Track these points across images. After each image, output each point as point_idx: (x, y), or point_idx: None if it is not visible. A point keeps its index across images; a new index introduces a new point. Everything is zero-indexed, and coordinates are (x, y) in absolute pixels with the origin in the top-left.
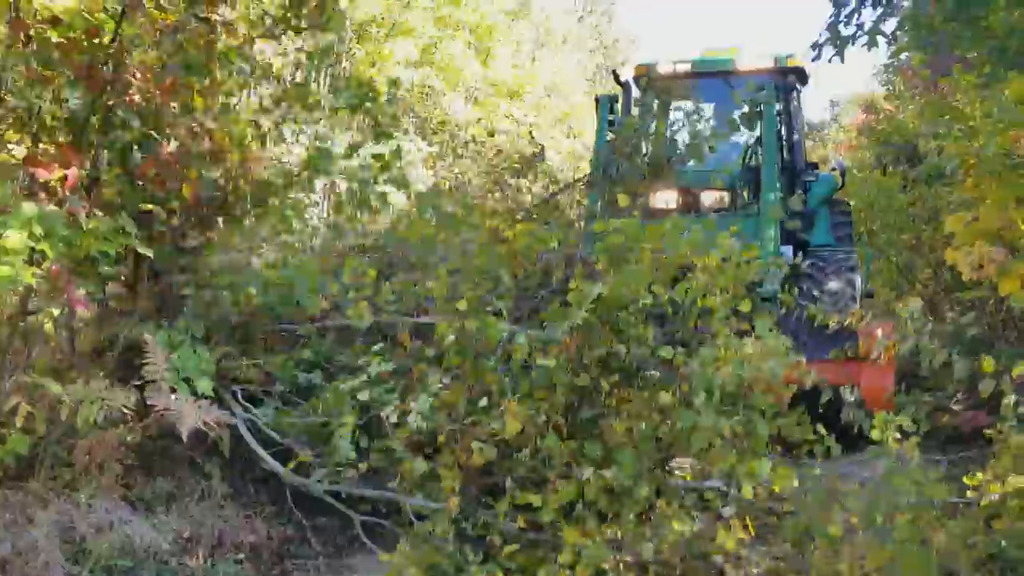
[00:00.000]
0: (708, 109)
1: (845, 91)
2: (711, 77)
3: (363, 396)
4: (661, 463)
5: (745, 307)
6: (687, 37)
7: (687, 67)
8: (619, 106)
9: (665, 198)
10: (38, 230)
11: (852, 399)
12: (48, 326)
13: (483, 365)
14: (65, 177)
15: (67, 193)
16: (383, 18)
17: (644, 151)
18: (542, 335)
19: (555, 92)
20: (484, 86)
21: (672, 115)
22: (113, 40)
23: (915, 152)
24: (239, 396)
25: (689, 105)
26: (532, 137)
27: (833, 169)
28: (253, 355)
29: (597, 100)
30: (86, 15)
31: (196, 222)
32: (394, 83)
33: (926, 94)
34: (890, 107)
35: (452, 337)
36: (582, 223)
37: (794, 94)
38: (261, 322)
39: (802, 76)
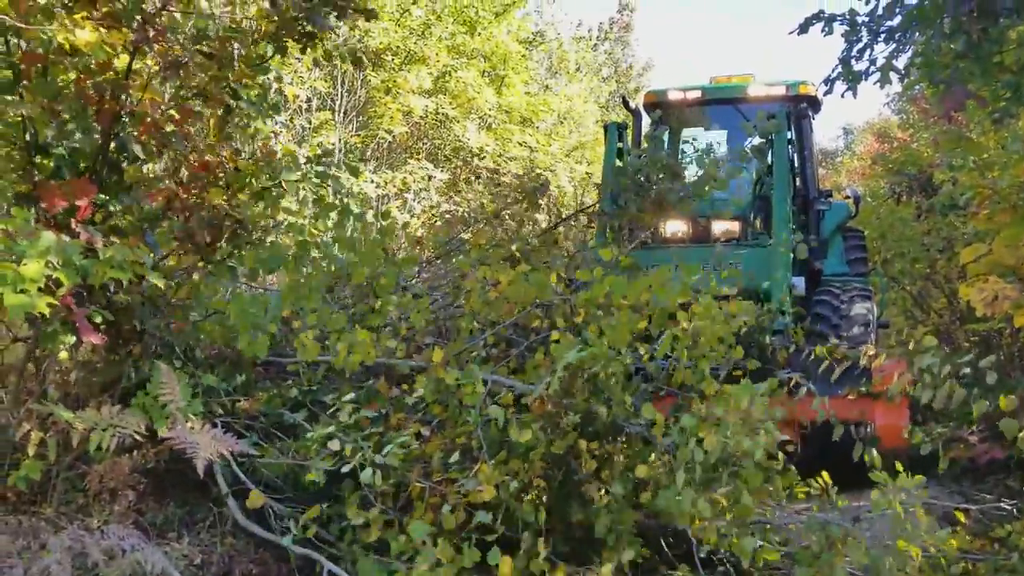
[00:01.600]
0: (719, 136)
1: (858, 118)
2: (722, 104)
3: (334, 445)
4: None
5: (737, 353)
6: (701, 63)
7: (698, 94)
8: (628, 134)
9: (675, 227)
10: (54, 259)
11: (865, 435)
12: (63, 355)
13: (462, 419)
14: (75, 208)
15: (77, 224)
16: (399, 47)
17: (654, 180)
18: (521, 388)
19: (568, 119)
20: (497, 114)
21: (683, 143)
22: (127, 75)
23: (929, 182)
24: (219, 425)
25: (701, 132)
26: (534, 168)
27: (847, 197)
28: (242, 389)
29: (606, 128)
30: (107, 48)
31: (188, 252)
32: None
33: (940, 124)
34: (904, 135)
35: (430, 387)
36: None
37: (806, 121)
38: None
39: (814, 103)
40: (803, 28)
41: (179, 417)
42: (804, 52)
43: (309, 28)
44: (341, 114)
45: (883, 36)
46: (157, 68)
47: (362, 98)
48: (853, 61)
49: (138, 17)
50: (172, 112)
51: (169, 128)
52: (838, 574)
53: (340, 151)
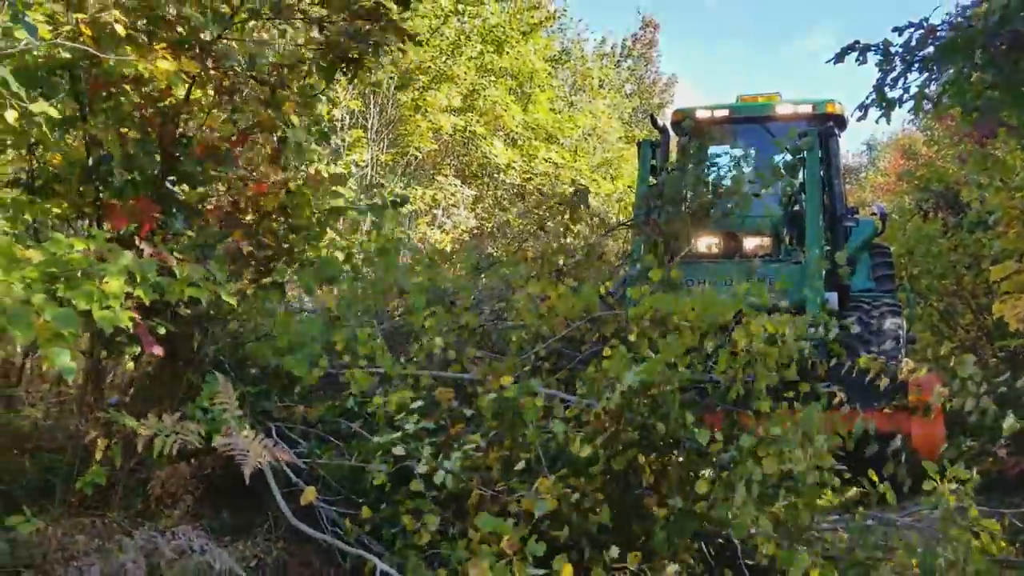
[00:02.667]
0: (747, 154)
1: (881, 134)
2: (750, 122)
3: (398, 451)
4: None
5: (791, 374)
6: (722, 79)
7: (725, 113)
8: (669, 153)
9: (708, 243)
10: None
11: (900, 450)
12: (129, 364)
13: (519, 431)
14: (139, 227)
15: (141, 242)
16: (429, 66)
17: (686, 196)
18: (576, 401)
19: (593, 136)
20: (524, 131)
21: (713, 160)
22: (186, 100)
23: (956, 199)
24: (273, 433)
25: (728, 149)
26: (557, 183)
27: (873, 213)
28: (299, 399)
29: (639, 145)
30: (183, 76)
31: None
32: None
33: (965, 141)
34: (929, 152)
35: (488, 400)
36: (626, 268)
37: (833, 139)
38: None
39: (840, 122)
40: (839, 58)
41: (233, 425)
42: (825, 69)
43: (354, 54)
44: (373, 132)
45: (916, 66)
46: (213, 95)
47: (393, 116)
48: (887, 89)
49: (196, 46)
50: (228, 136)
51: (224, 149)
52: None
53: (372, 167)
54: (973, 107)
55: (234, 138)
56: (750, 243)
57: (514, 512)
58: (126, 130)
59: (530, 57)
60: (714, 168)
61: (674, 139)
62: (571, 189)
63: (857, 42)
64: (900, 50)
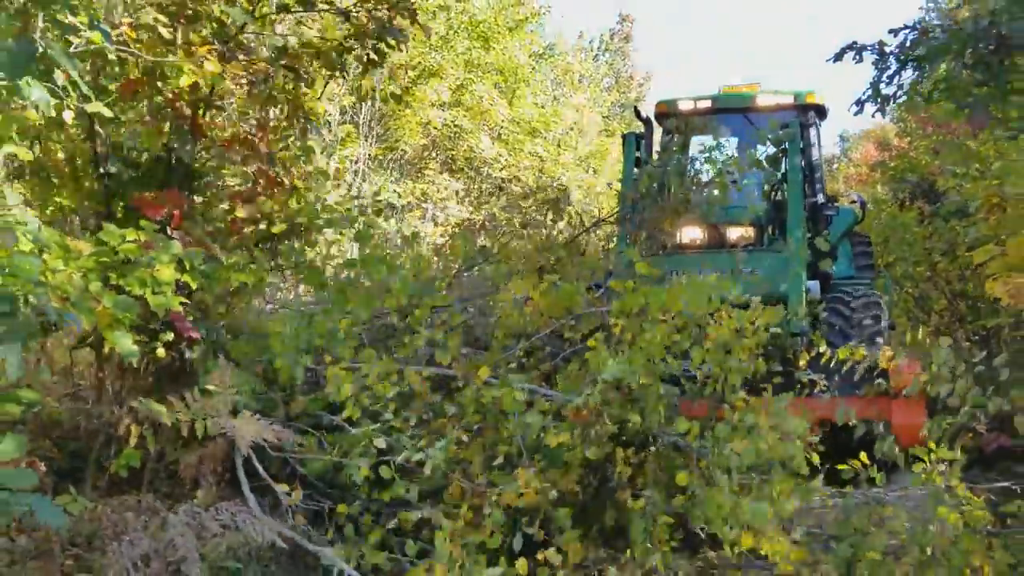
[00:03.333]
0: (726, 145)
1: (853, 126)
2: (732, 113)
3: (379, 443)
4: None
5: (760, 365)
6: (698, 70)
7: (708, 103)
8: (653, 144)
9: (691, 233)
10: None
11: (884, 434)
12: (160, 351)
13: (502, 426)
14: (172, 216)
15: (172, 231)
16: (418, 62)
17: (674, 187)
18: (558, 397)
19: (575, 130)
20: (509, 125)
21: (695, 150)
22: (211, 91)
23: (932, 188)
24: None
25: (709, 140)
26: (542, 176)
27: (853, 202)
28: (279, 392)
29: (624, 138)
30: (228, 77)
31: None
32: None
33: (938, 132)
34: (902, 143)
35: (470, 396)
36: (611, 259)
37: (813, 129)
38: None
39: (820, 112)
40: (838, 56)
41: (223, 410)
42: (797, 58)
43: (379, 45)
44: (365, 127)
45: (911, 65)
46: (245, 85)
47: (383, 111)
48: (882, 86)
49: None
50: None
51: (252, 140)
52: (877, 543)
53: (363, 162)
54: (965, 103)
55: (257, 129)
56: (733, 233)
57: (494, 503)
58: (161, 123)
59: (515, 52)
60: (698, 159)
61: (658, 131)
62: (555, 186)
63: (855, 42)
64: (896, 50)
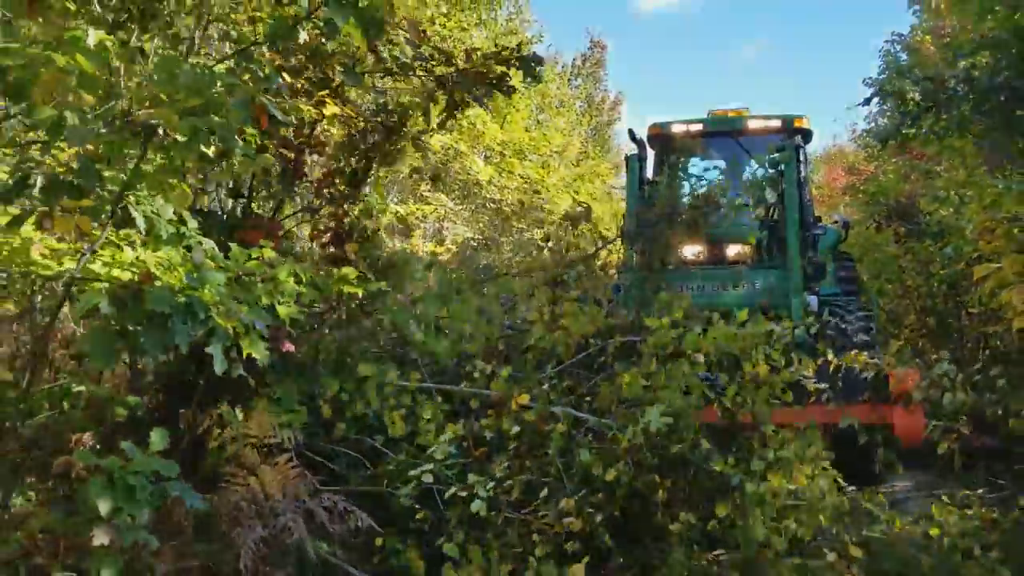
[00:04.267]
0: (725, 167)
1: (816, 150)
2: (722, 136)
3: (427, 479)
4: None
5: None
6: (670, 93)
7: (699, 127)
8: (649, 165)
9: (693, 251)
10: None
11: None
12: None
13: (542, 452)
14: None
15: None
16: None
17: (674, 209)
18: (595, 423)
19: (560, 153)
20: (501, 148)
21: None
22: (311, 133)
23: (906, 211)
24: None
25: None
26: (575, 196)
27: (835, 222)
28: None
29: (627, 160)
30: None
31: None
32: None
33: (905, 160)
34: (868, 167)
35: (510, 422)
36: (619, 276)
37: (800, 152)
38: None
39: (806, 135)
40: (867, 101)
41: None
42: (761, 80)
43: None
44: None
45: (932, 109)
46: (345, 133)
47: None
48: (903, 128)
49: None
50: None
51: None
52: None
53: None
54: (982, 143)
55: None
56: (732, 250)
57: (537, 529)
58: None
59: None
60: (696, 180)
61: (651, 152)
62: (574, 206)
63: (881, 88)
64: (919, 97)
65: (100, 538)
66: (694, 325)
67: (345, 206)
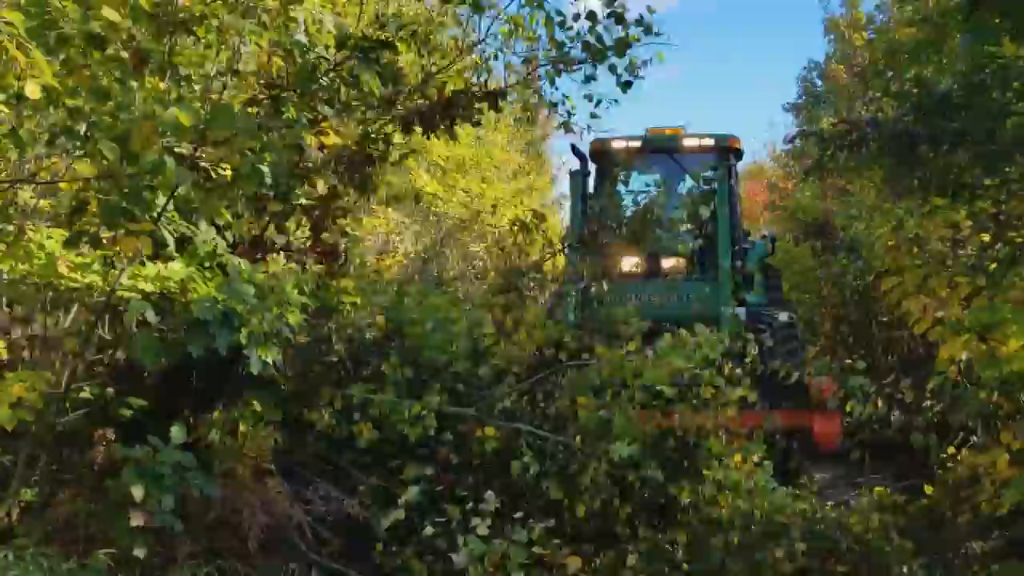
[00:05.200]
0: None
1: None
2: (659, 153)
3: (399, 516)
4: None
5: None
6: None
7: (638, 144)
8: (591, 180)
9: (631, 263)
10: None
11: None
12: None
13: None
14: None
15: None
16: None
17: (618, 223)
18: (555, 439)
19: (499, 168)
20: (446, 163)
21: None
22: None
23: (822, 227)
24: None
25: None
26: (516, 209)
27: (763, 237)
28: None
29: (572, 175)
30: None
31: None
32: None
33: (822, 182)
34: (787, 186)
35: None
36: (563, 286)
37: (732, 169)
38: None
39: (738, 154)
40: (791, 140)
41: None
42: (677, 100)
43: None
44: None
45: (845, 148)
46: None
47: None
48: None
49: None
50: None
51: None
52: None
53: None
54: (894, 174)
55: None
56: (667, 264)
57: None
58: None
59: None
60: (634, 196)
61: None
62: (520, 217)
63: (804, 128)
64: (836, 138)
65: (136, 520)
66: (644, 352)
67: (328, 226)
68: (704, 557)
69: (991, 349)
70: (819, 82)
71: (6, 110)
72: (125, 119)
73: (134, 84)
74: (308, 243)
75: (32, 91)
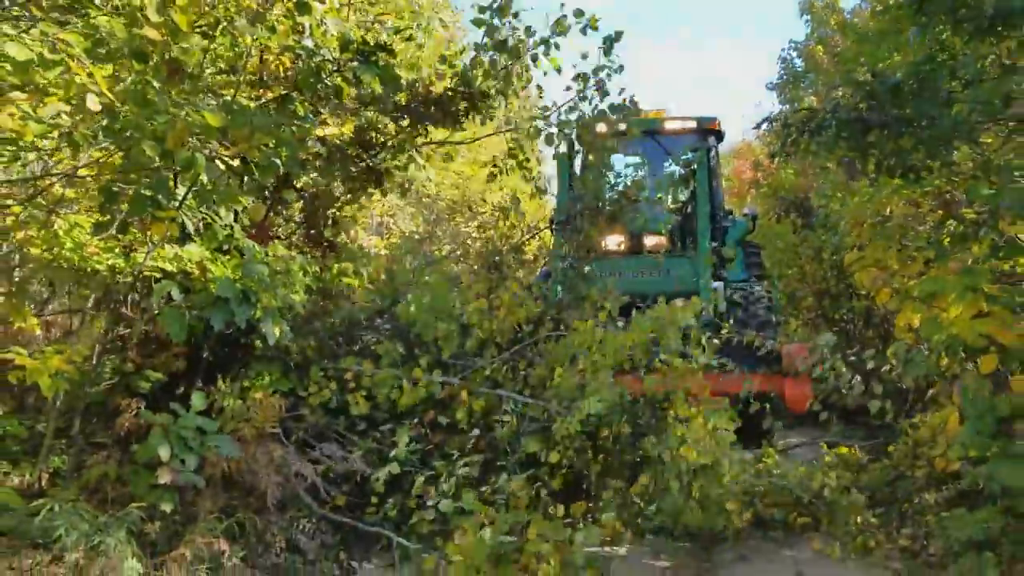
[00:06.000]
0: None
1: (725, 146)
2: (643, 135)
3: (395, 469)
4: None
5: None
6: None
7: (622, 126)
8: (578, 162)
9: (614, 241)
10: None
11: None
12: None
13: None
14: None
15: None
16: None
17: (600, 203)
18: (534, 403)
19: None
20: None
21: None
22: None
23: (802, 204)
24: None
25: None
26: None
27: (745, 214)
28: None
29: (558, 158)
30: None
31: None
32: None
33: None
34: (770, 164)
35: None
36: (547, 263)
37: (713, 151)
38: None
39: (719, 135)
40: (758, 126)
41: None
42: (667, 78)
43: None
44: None
45: (806, 133)
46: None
47: None
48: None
49: None
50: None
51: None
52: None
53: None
54: (839, 161)
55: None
56: (650, 241)
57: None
58: None
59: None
60: (618, 176)
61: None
62: (505, 199)
63: (769, 116)
64: (795, 123)
65: (164, 477)
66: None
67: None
68: (665, 504)
69: (934, 315)
70: (799, 62)
71: (65, 117)
72: (162, 121)
73: (169, 90)
74: (305, 230)
75: (93, 103)
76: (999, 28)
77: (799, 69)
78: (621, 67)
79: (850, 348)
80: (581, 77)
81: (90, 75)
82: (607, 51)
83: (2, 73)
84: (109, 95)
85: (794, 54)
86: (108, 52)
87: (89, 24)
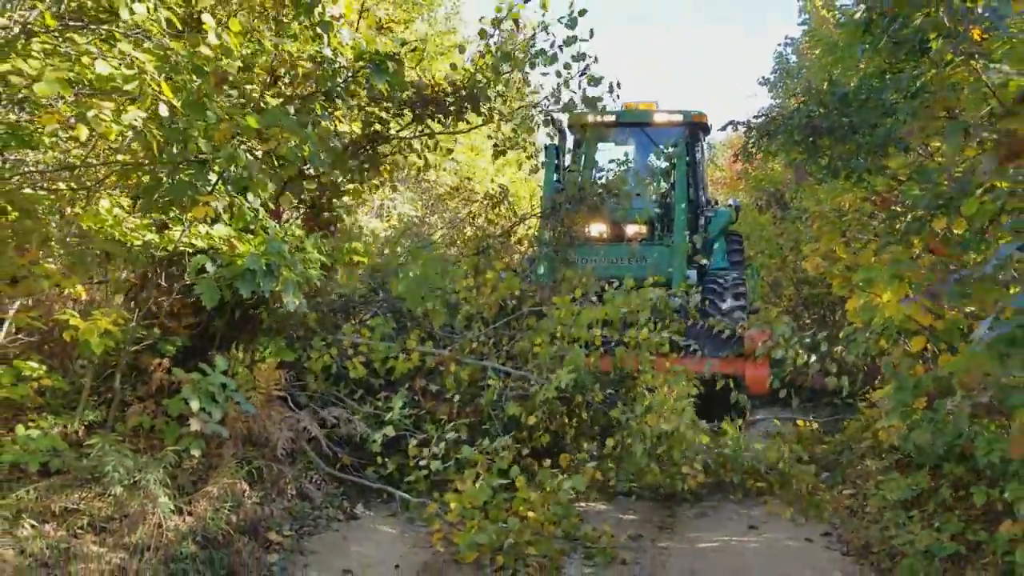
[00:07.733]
0: (627, 155)
1: (717, 136)
2: (632, 127)
3: (389, 431)
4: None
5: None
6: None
7: (612, 118)
8: (567, 151)
9: (597, 229)
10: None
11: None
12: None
13: (480, 401)
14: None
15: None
16: None
17: (583, 192)
18: (517, 374)
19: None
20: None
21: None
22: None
23: (783, 197)
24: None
25: (611, 147)
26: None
27: (729, 205)
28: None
29: (546, 148)
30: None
31: None
32: None
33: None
34: (758, 157)
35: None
36: (534, 249)
37: (699, 143)
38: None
39: (705, 128)
40: (723, 128)
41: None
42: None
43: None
44: None
45: (767, 138)
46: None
47: None
48: (749, 145)
49: None
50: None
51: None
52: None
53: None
54: (792, 163)
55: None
56: (631, 230)
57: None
58: None
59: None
60: (602, 170)
61: (570, 138)
62: (495, 188)
63: (733, 120)
64: (757, 127)
65: (195, 425)
66: (592, 300)
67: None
68: (630, 464)
69: (868, 300)
70: (793, 58)
71: (139, 122)
72: (212, 122)
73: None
74: (308, 213)
75: (164, 110)
76: (929, 49)
77: (793, 64)
78: (592, 32)
79: (810, 332)
80: (545, 57)
81: (158, 87)
82: (571, 24)
83: (93, 84)
84: (176, 104)
85: (788, 50)
86: (173, 67)
87: (159, 46)
